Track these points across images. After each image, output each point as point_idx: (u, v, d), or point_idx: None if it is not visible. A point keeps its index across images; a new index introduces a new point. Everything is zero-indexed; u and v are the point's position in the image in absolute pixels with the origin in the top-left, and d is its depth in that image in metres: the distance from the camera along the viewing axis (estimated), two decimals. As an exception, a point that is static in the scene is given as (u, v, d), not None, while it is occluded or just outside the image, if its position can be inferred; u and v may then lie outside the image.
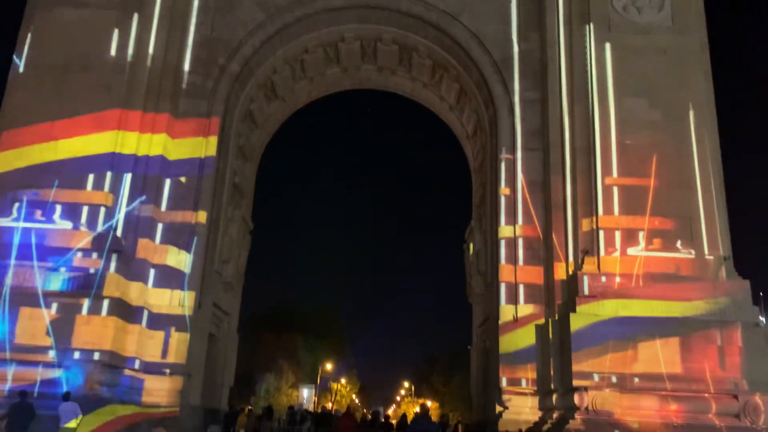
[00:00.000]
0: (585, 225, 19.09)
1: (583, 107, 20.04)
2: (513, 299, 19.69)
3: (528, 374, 19.11)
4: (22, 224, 17.87)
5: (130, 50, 19.98)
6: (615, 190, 19.03)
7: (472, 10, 22.10)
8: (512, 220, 20.32)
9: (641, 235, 18.48)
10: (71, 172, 18.76)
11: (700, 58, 20.62)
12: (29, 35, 20.19)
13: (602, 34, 20.40)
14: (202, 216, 20.32)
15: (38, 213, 18.16)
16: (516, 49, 21.83)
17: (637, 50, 20.24)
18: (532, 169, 20.75)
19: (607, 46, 20.26)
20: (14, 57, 20.01)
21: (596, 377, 17.00)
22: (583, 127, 19.87)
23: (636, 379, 16.94)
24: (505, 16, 22.14)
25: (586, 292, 17.98)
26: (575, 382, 17.04)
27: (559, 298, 18.97)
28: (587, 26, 20.55)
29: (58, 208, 18.30)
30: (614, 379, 16.94)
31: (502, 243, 20.25)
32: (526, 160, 20.83)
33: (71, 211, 18.36)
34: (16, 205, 18.19)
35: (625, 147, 19.40)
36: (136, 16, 20.28)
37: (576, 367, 17.10)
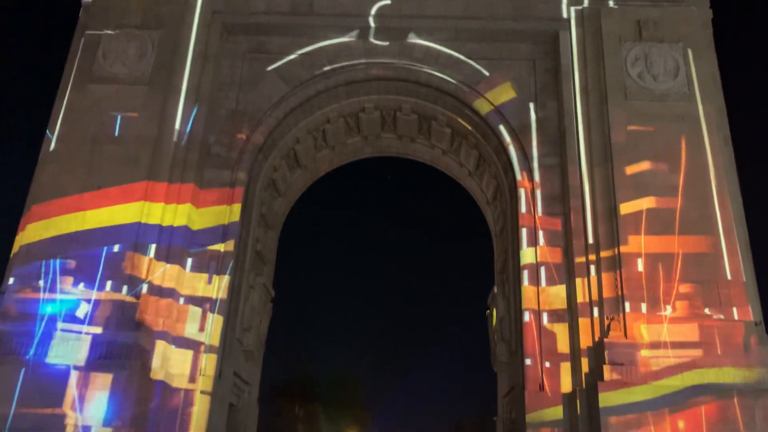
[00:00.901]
0: (609, 290, 18.79)
1: (603, 173, 20.09)
2: (539, 367, 19.23)
3: (557, 446, 18.43)
4: (47, 294, 18.07)
5: (157, 124, 20.62)
6: (639, 252, 18.78)
7: (489, 80, 22.58)
8: (535, 286, 20.09)
9: (668, 300, 18.10)
10: (98, 242, 19.08)
11: (718, 123, 20.71)
12: (62, 111, 21.00)
13: (619, 101, 20.64)
14: (224, 284, 20.44)
15: (63, 282, 18.39)
16: (533, 117, 22.14)
17: (654, 117, 20.40)
18: (554, 234, 20.65)
19: (624, 113, 20.46)
20: (47, 132, 20.80)
21: (628, 451, 16.31)
22: (604, 192, 19.86)
23: (670, 453, 16.24)
24: (522, 86, 22.55)
25: (613, 360, 17.49)
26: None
27: (586, 366, 18.49)
28: (604, 94, 20.81)
29: (83, 278, 18.50)
30: (647, 453, 16.25)
31: (527, 311, 19.93)
32: (547, 225, 20.77)
33: (96, 280, 18.54)
34: (42, 274, 18.47)
35: (647, 212, 19.27)
36: (163, 92, 21.03)
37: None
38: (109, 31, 21.68)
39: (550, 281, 20.09)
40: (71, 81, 21.42)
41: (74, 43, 22.46)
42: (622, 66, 21.08)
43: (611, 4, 22.45)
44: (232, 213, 21.15)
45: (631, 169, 19.78)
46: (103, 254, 18.92)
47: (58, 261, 18.67)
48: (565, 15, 22.53)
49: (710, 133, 20.16)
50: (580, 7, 22.50)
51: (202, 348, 19.47)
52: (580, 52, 21.90)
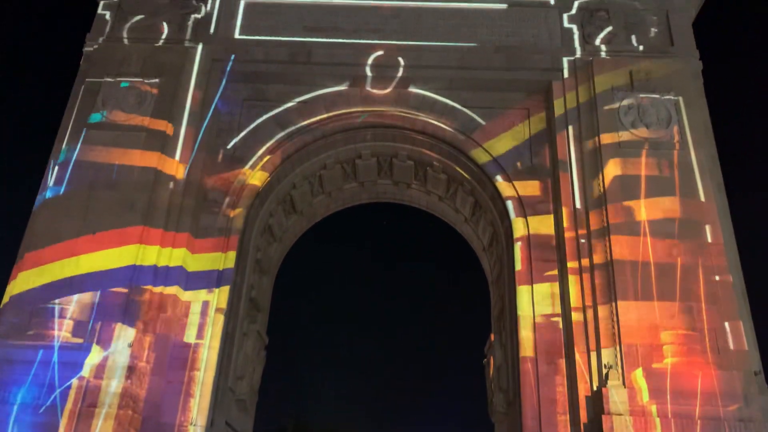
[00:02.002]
0: (607, 340, 18.61)
1: (598, 220, 20.14)
2: (537, 418, 18.87)
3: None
4: (38, 341, 17.82)
5: (154, 170, 20.70)
6: (634, 306, 18.67)
7: (484, 128, 22.87)
8: (532, 334, 19.91)
9: (666, 349, 17.91)
10: (91, 287, 18.89)
11: (711, 170, 20.89)
12: (59, 157, 21.08)
13: (612, 149, 20.84)
14: (217, 331, 20.22)
15: (54, 330, 18.13)
16: (528, 164, 22.34)
17: (648, 165, 20.55)
18: (551, 281, 20.56)
19: (618, 160, 20.66)
20: (44, 179, 20.83)
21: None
22: (599, 241, 19.86)
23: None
24: (516, 134, 22.84)
25: (612, 410, 17.20)
26: None
27: (585, 417, 18.17)
28: (597, 142, 21.05)
29: (73, 325, 18.27)
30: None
31: (525, 360, 19.70)
32: (543, 272, 20.71)
33: (87, 327, 18.30)
34: (33, 322, 18.25)
35: (642, 258, 19.24)
36: (161, 138, 21.19)
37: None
38: (109, 79, 21.97)
39: (548, 330, 19.92)
40: (70, 127, 21.59)
41: (74, 90, 22.73)
42: (615, 115, 21.36)
43: (603, 54, 22.94)
44: (227, 259, 21.10)
45: (626, 217, 19.83)
46: (97, 298, 18.71)
47: (50, 306, 18.44)
48: (557, 65, 22.94)
49: (704, 180, 20.33)
50: (572, 58, 22.95)
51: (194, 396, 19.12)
52: (572, 101, 22.23)
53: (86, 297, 18.72)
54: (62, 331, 18.07)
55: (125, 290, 18.92)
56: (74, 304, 18.55)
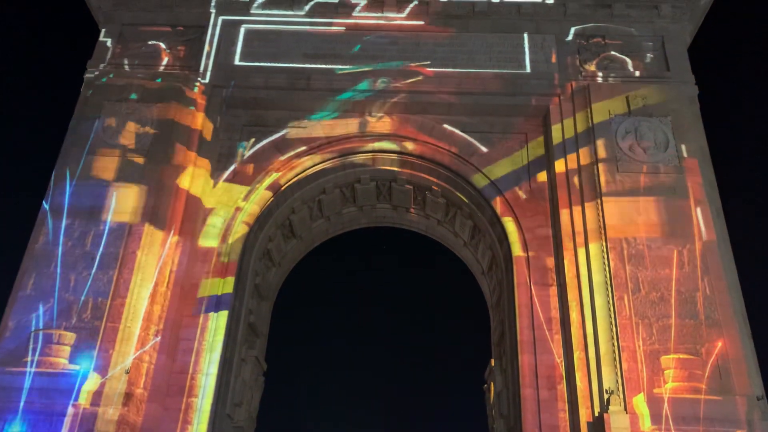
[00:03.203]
0: (607, 363, 18.48)
1: (597, 243, 20.12)
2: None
3: None
4: (34, 368, 17.66)
5: (154, 195, 20.75)
6: (635, 326, 18.59)
7: (482, 153, 22.99)
8: (532, 359, 19.78)
9: (667, 374, 17.77)
10: (90, 312, 18.83)
11: (710, 195, 20.95)
12: (61, 183, 21.14)
13: (611, 173, 20.93)
14: (215, 357, 20.08)
15: (51, 357, 17.98)
16: (526, 188, 22.39)
17: (646, 189, 20.64)
18: (551, 306, 20.52)
19: (616, 184, 20.71)
20: (43, 203, 20.88)
21: None
22: (598, 263, 19.84)
23: None
24: (515, 158, 22.94)
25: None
26: None
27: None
28: (595, 166, 21.12)
29: (70, 351, 18.14)
30: None
31: (525, 385, 19.53)
32: (543, 296, 20.65)
33: (84, 354, 18.18)
34: (30, 348, 18.11)
35: (643, 283, 19.22)
36: (161, 164, 21.28)
37: None
38: (110, 105, 22.13)
39: (548, 353, 19.81)
40: (70, 153, 21.67)
41: (75, 117, 22.86)
42: (613, 139, 21.50)
43: (600, 80, 23.14)
44: (226, 284, 21.05)
45: (624, 242, 19.83)
46: (95, 324, 18.58)
47: (48, 333, 18.31)
48: (555, 91, 23.14)
49: (702, 204, 20.37)
50: (569, 83, 23.15)
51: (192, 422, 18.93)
52: (570, 126, 22.37)
53: (84, 323, 18.61)
54: (59, 358, 17.93)
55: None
56: (72, 329, 18.45)
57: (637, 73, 23.33)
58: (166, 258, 20.47)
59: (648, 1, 24.36)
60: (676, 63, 23.56)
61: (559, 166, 22.05)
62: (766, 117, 46.72)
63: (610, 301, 19.09)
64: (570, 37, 24.22)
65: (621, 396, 17.77)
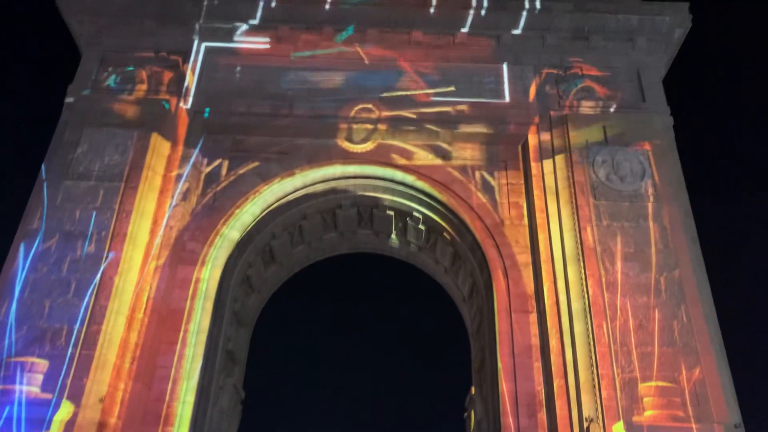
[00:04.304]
0: (587, 389, 18.53)
1: (576, 271, 20.30)
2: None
3: None
4: (3, 398, 17.25)
5: (132, 221, 20.59)
6: (614, 353, 18.69)
7: (461, 180, 23.19)
8: (513, 387, 19.75)
9: (646, 401, 17.84)
10: (64, 340, 18.46)
11: (686, 223, 21.31)
12: (38, 207, 20.91)
13: (588, 201, 21.21)
14: (192, 384, 19.79)
15: (23, 385, 17.58)
16: (506, 214, 22.58)
17: (623, 217, 20.93)
18: (531, 333, 20.57)
19: (594, 213, 20.99)
20: (19, 228, 20.61)
21: None
22: (577, 290, 19.99)
23: None
24: (495, 186, 23.15)
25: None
26: None
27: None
28: (573, 195, 21.40)
29: (43, 379, 17.76)
30: None
31: (506, 413, 19.48)
32: (523, 323, 20.71)
33: (57, 382, 17.80)
34: (1, 377, 17.71)
35: (621, 311, 19.37)
36: (139, 189, 21.15)
37: None
38: (90, 129, 22.03)
39: (528, 381, 19.79)
40: (47, 178, 21.48)
41: (53, 141, 22.71)
42: (590, 167, 21.82)
43: (577, 110, 23.56)
44: (204, 311, 20.85)
45: (603, 269, 20.03)
46: (69, 351, 18.26)
47: (20, 361, 17.91)
48: (533, 120, 23.50)
49: (678, 233, 20.68)
50: (548, 112, 23.52)
51: (167, 454, 18.59)
52: (548, 154, 22.70)
53: (58, 350, 18.28)
54: (31, 386, 17.54)
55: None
56: (45, 357, 18.09)
57: (614, 104, 23.79)
58: (143, 284, 20.27)
59: (624, 34, 24.98)
60: (652, 94, 24.11)
61: (538, 193, 22.31)
62: (741, 143, 47.84)
63: (589, 329, 19.20)
64: (548, 67, 24.68)
65: (601, 424, 17.79)
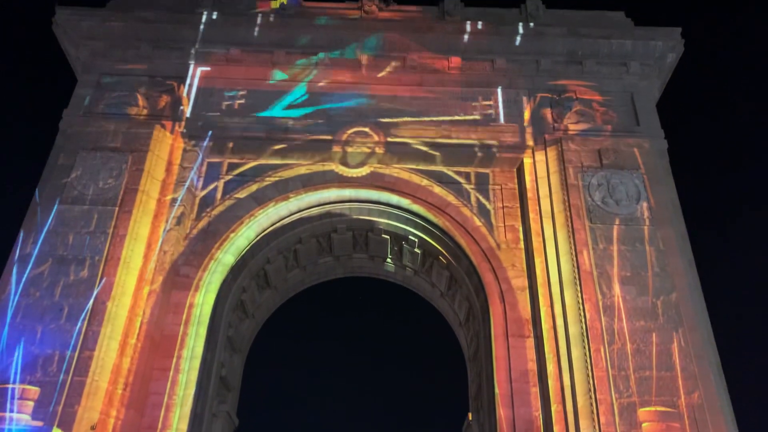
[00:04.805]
0: (585, 414, 18.31)
1: (573, 295, 20.20)
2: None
3: None
4: (7, 424, 16.95)
5: (125, 245, 20.43)
6: (612, 378, 18.50)
7: (457, 204, 23.15)
8: (510, 413, 19.51)
9: (645, 427, 17.62)
10: (56, 366, 18.20)
11: (682, 247, 21.30)
12: (32, 232, 20.76)
13: (584, 224, 21.17)
14: (186, 411, 19.47)
15: (13, 413, 17.25)
16: (502, 238, 22.52)
17: (619, 240, 20.90)
18: (528, 358, 20.38)
19: (590, 236, 20.95)
20: (12, 252, 20.40)
21: None
22: (574, 314, 19.87)
23: None
24: (490, 209, 23.11)
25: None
26: None
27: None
28: (569, 218, 21.37)
29: (34, 406, 17.41)
30: None
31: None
32: (520, 348, 20.53)
33: (48, 409, 17.51)
34: (8, 401, 17.38)
35: (618, 335, 19.23)
36: (133, 213, 21.02)
37: None
38: (84, 153, 21.97)
39: (525, 407, 19.56)
40: (41, 202, 21.36)
41: (48, 165, 22.64)
42: (586, 191, 21.84)
43: (572, 133, 23.65)
44: (198, 337, 20.62)
45: (599, 293, 19.93)
46: (61, 377, 17.98)
47: (10, 387, 17.63)
48: (528, 143, 23.58)
49: (674, 256, 20.65)
50: (543, 136, 23.60)
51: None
52: (543, 178, 22.74)
53: (50, 376, 18.00)
54: (21, 413, 17.21)
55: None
56: (36, 383, 17.79)
57: (609, 127, 23.90)
58: (136, 309, 20.07)
59: (617, 58, 25.22)
60: (646, 118, 24.26)
61: (534, 217, 22.29)
62: (733, 166, 48.17)
63: (587, 353, 19.04)
64: (543, 92, 24.84)
65: (599, 451, 17.55)
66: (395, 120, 24.17)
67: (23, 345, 18.54)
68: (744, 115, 46.76)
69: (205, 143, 23.47)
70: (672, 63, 25.70)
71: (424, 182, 23.47)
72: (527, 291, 21.52)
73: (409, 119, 24.18)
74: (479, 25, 25.55)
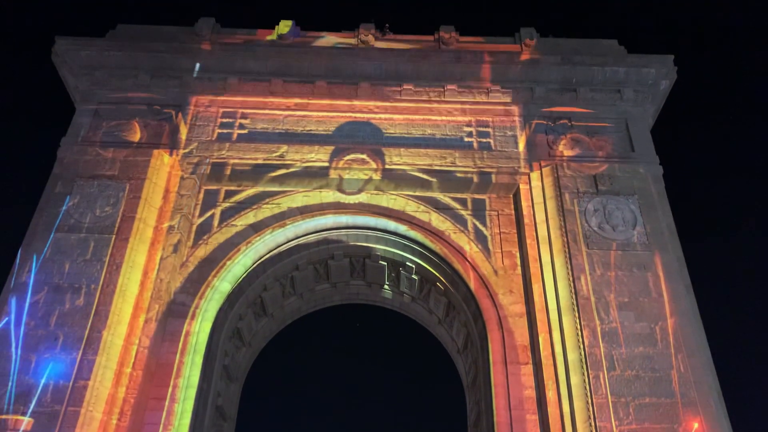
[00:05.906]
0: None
1: (571, 321, 20.12)
2: None
3: None
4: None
5: (122, 274, 20.35)
6: (612, 405, 18.34)
7: (454, 230, 23.17)
8: (510, 441, 19.31)
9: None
10: (51, 396, 18.01)
11: (679, 271, 21.27)
12: (29, 260, 20.69)
13: (581, 250, 21.19)
14: (181, 442, 19.25)
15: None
16: (499, 264, 22.50)
17: (616, 266, 20.91)
18: (527, 385, 20.21)
19: (587, 262, 20.95)
20: (8, 281, 20.31)
21: None
22: (573, 340, 19.77)
23: None
24: (487, 235, 23.12)
25: None
26: None
27: None
28: (566, 244, 21.39)
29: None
30: None
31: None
32: (519, 375, 20.38)
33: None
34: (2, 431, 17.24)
35: (618, 361, 19.12)
36: (130, 241, 20.99)
37: None
38: (81, 182, 22.01)
39: (525, 435, 19.35)
40: (38, 230, 21.33)
41: (45, 194, 22.64)
42: (582, 217, 21.91)
43: (567, 159, 23.78)
44: (194, 366, 20.41)
45: (598, 319, 19.86)
46: (53, 409, 17.76)
47: (5, 419, 17.46)
48: (524, 169, 23.70)
49: (672, 282, 20.63)
50: (538, 162, 23.73)
51: None
52: (540, 204, 22.82)
53: (44, 407, 17.78)
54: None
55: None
56: (30, 414, 17.58)
57: (604, 153, 24.04)
58: (132, 337, 19.91)
59: (611, 85, 25.49)
60: (640, 143, 24.42)
61: (531, 243, 22.30)
62: (728, 190, 48.40)
63: (586, 380, 18.91)
64: (538, 118, 25.05)
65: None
66: (392, 147, 24.31)
67: (17, 375, 18.36)
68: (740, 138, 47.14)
69: (202, 171, 23.54)
70: (666, 90, 25.99)
71: (421, 208, 23.52)
72: (525, 317, 21.43)
73: (406, 146, 24.33)
74: (474, 54, 25.86)
